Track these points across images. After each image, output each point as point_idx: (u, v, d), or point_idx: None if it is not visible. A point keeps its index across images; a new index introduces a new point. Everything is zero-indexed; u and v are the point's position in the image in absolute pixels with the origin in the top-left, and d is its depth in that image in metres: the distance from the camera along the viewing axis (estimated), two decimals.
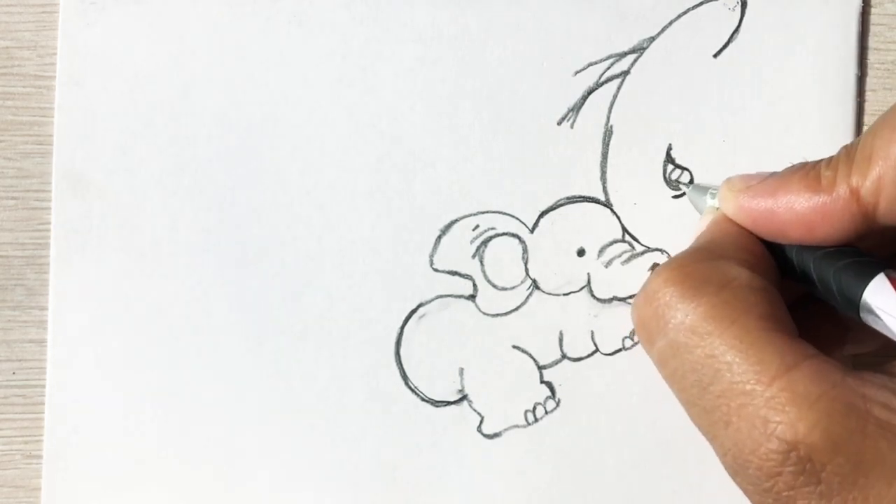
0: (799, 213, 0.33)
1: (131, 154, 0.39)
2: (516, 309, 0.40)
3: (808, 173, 0.34)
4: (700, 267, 0.33)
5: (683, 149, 0.40)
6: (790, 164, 0.35)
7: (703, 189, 0.38)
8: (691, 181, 0.40)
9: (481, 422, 0.40)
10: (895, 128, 0.32)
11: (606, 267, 0.40)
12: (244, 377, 0.39)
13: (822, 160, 0.34)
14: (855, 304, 0.33)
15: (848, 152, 0.33)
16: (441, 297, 0.39)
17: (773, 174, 0.35)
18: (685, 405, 0.33)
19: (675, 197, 0.40)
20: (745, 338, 0.31)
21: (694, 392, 0.32)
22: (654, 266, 0.40)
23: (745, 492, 0.31)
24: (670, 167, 0.40)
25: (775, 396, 0.30)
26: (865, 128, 0.40)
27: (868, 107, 0.40)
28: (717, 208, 0.36)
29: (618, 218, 0.40)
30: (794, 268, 0.34)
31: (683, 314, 0.32)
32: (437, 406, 0.39)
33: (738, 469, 0.31)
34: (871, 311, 0.33)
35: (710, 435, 0.32)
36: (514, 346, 0.40)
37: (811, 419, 0.29)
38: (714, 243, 0.34)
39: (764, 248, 0.35)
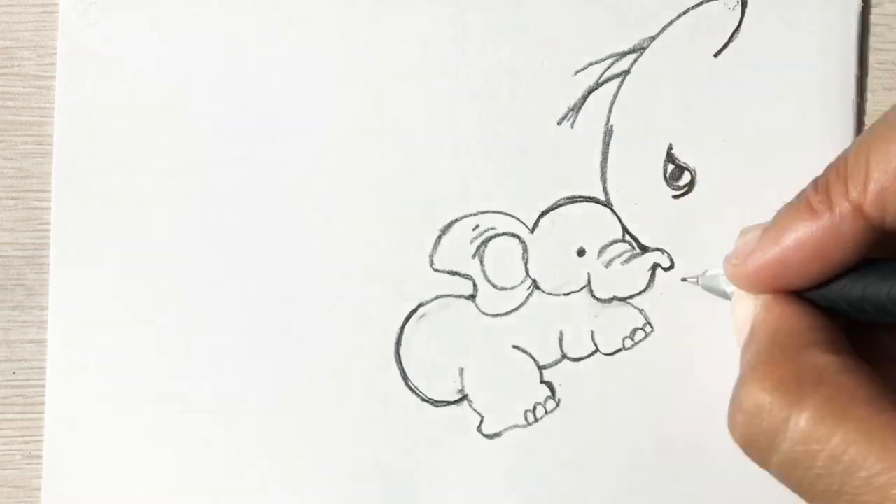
0: (809, 247, 0.33)
1: (131, 154, 0.39)
2: (516, 309, 0.40)
3: (798, 206, 0.33)
4: (789, 367, 0.32)
5: (683, 149, 0.40)
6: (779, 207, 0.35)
7: (716, 277, 0.38)
8: (670, 269, 0.39)
9: (481, 422, 0.39)
10: (891, 139, 0.32)
11: (606, 267, 0.40)
12: (244, 377, 0.39)
13: (805, 190, 0.33)
14: None
15: (837, 170, 0.33)
16: (441, 297, 0.39)
17: (763, 227, 0.34)
18: None
19: (676, 197, 0.40)
20: (861, 429, 0.30)
21: (829, 497, 0.30)
22: (655, 266, 0.40)
23: None
24: (671, 167, 0.40)
25: None
26: (866, 127, 0.40)
27: (868, 107, 0.40)
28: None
29: (618, 218, 0.40)
30: (850, 311, 0.34)
31: (793, 423, 0.31)
32: (437, 406, 0.39)
33: None
34: None
35: None
36: (514, 346, 0.40)
37: None
38: (784, 333, 0.33)
39: (825, 316, 0.34)
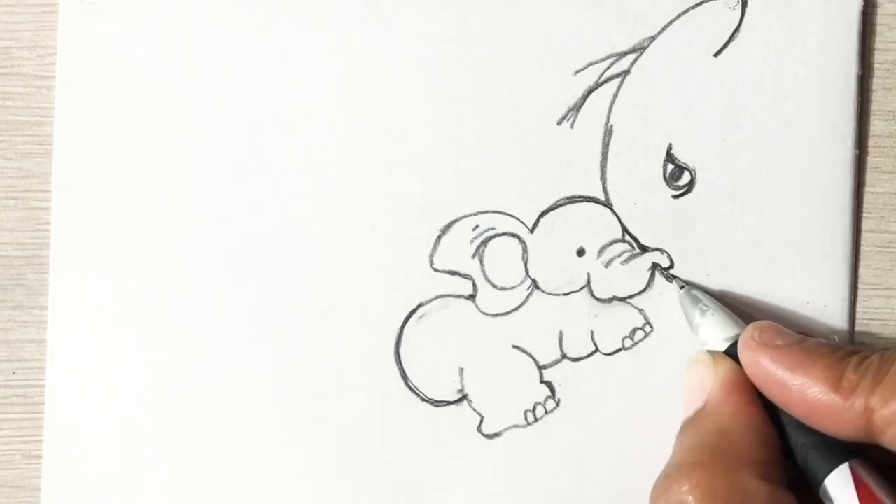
0: (809, 400, 0.34)
1: (131, 154, 0.39)
2: (516, 309, 0.40)
3: (833, 367, 0.34)
4: (723, 482, 0.33)
5: (683, 149, 0.39)
6: (819, 339, 0.36)
7: (696, 299, 0.38)
8: (670, 269, 0.40)
9: (481, 422, 0.39)
10: None
11: (606, 267, 0.40)
12: (244, 377, 0.39)
13: (853, 356, 0.34)
14: (817, 486, 0.33)
15: (880, 367, 0.33)
16: (441, 297, 0.39)
17: (803, 341, 0.35)
18: None
19: (675, 197, 0.40)
20: None
21: None
22: (655, 266, 0.40)
23: None
24: (671, 167, 0.40)
25: None
26: (871, 128, 0.40)
27: (869, 107, 0.40)
28: (712, 353, 0.37)
29: (618, 218, 0.40)
30: (789, 449, 0.35)
31: None
32: (437, 406, 0.39)
33: None
34: (829, 499, 0.33)
35: None
36: (514, 346, 0.40)
37: None
38: (729, 439, 0.34)
39: (777, 440, 0.35)
